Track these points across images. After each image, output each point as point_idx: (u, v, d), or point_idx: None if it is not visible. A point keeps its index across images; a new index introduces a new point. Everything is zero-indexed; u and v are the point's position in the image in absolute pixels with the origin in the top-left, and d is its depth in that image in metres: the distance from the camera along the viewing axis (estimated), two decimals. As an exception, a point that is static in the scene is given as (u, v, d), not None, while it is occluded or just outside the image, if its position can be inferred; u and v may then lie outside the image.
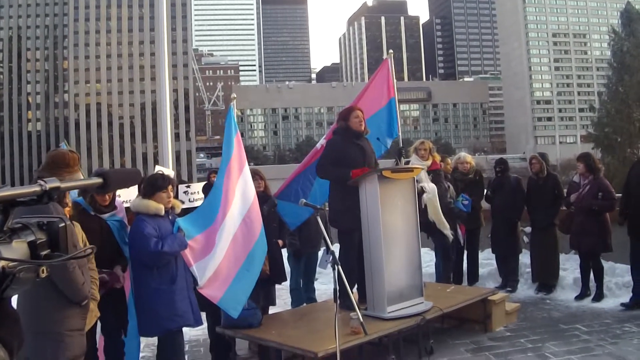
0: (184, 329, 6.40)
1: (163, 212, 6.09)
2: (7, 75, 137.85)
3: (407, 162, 8.82)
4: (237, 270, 6.32)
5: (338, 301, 5.66)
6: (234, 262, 6.32)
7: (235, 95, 8.20)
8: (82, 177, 5.30)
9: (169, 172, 9.76)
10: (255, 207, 6.76)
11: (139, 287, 6.03)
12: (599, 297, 9.71)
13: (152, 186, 6.16)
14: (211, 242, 6.24)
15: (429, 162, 9.73)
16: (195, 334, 8.51)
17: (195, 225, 6.24)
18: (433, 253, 10.82)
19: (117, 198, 6.21)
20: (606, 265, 10.17)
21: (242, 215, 6.52)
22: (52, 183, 1.87)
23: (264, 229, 6.79)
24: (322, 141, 8.92)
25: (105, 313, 5.54)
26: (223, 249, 6.28)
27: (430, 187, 9.27)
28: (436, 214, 9.45)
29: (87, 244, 4.79)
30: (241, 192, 6.62)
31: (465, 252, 11.29)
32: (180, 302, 5.97)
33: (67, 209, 4.98)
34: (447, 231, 9.65)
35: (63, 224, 1.87)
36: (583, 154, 10.35)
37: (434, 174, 9.63)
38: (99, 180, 2.10)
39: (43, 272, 1.78)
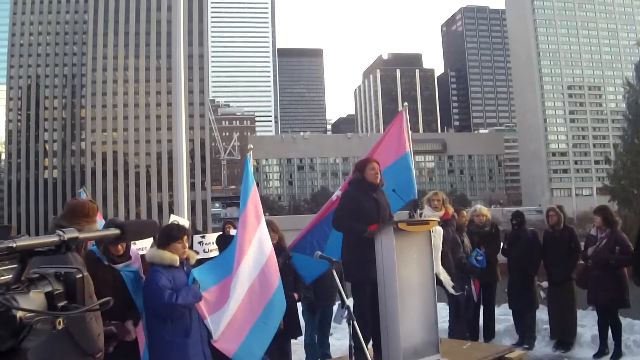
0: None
1: (178, 263, 6.00)
2: (25, 123, 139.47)
3: (420, 214, 8.76)
4: (254, 322, 6.24)
5: (353, 357, 5.56)
6: (250, 314, 6.25)
7: (252, 146, 8.21)
8: (98, 227, 5.29)
9: (184, 221, 9.74)
10: (273, 259, 6.70)
11: (153, 339, 5.96)
12: (617, 355, 9.53)
13: (167, 236, 6.07)
14: (226, 294, 6.20)
15: (442, 213, 9.67)
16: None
17: (210, 277, 6.21)
18: (448, 308, 10.70)
19: (132, 246, 6.16)
20: (624, 321, 10.03)
21: (259, 265, 6.47)
22: (70, 233, 1.87)
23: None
24: (337, 192, 8.92)
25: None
26: (238, 300, 6.22)
27: (436, 228, 9.13)
28: (436, 259, 9.27)
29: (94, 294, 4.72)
30: (258, 242, 6.58)
31: (482, 307, 11.13)
32: (193, 356, 5.88)
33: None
34: (447, 284, 9.46)
35: (80, 275, 1.88)
36: (600, 207, 10.25)
37: (445, 223, 9.53)
38: (116, 231, 2.11)
39: (60, 324, 1.79)
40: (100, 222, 10.13)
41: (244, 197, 6.83)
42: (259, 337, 6.27)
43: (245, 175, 7.03)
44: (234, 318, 6.16)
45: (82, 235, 1.93)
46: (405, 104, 9.77)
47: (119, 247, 5.75)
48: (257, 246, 6.57)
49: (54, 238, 1.84)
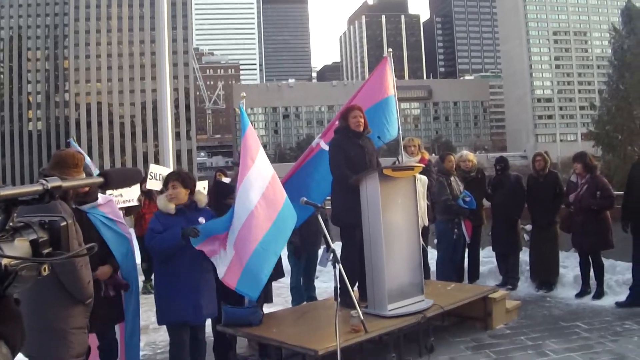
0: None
1: (172, 211, 6.15)
2: (8, 75, 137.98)
3: (397, 161, 8.88)
4: (252, 251, 6.28)
5: (339, 299, 5.67)
6: (250, 243, 6.28)
7: (245, 94, 8.22)
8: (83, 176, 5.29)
9: (164, 170, 9.77)
10: (273, 186, 6.69)
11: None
12: (599, 294, 9.71)
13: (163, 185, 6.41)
14: (221, 237, 6.28)
15: (418, 158, 9.78)
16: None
17: (217, 225, 6.26)
18: (434, 251, 10.85)
19: (106, 194, 6.13)
20: (607, 262, 10.18)
21: (257, 198, 6.48)
22: (53, 182, 1.88)
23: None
24: (317, 139, 8.93)
25: (97, 313, 5.48)
26: (234, 234, 6.28)
27: (421, 177, 9.19)
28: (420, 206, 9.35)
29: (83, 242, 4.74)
30: (254, 176, 6.59)
31: (467, 250, 11.28)
32: (179, 299, 6.02)
33: None
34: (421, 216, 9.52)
35: (64, 223, 1.89)
36: (579, 154, 10.31)
37: (423, 170, 9.59)
38: (100, 179, 2.14)
39: (45, 270, 1.80)
40: (95, 170, 10.15)
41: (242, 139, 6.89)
42: (261, 262, 6.30)
43: (241, 122, 7.05)
44: (235, 253, 6.23)
45: (65, 184, 1.94)
46: (390, 49, 9.75)
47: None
48: (255, 179, 6.59)
49: (37, 187, 1.85)
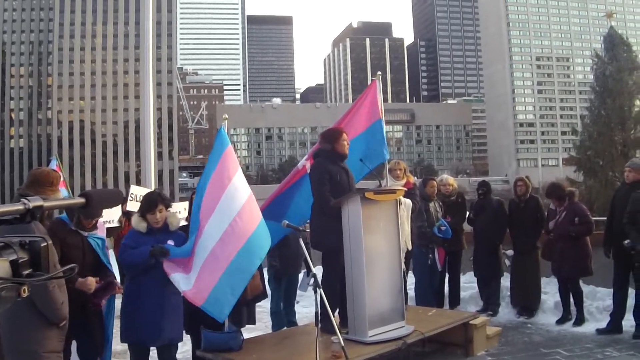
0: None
1: (143, 230, 6.27)
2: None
3: (380, 184, 8.82)
4: (222, 272, 6.23)
5: (319, 325, 5.62)
6: (218, 264, 6.24)
7: (227, 116, 8.19)
8: (61, 196, 5.33)
9: (145, 192, 9.72)
10: (249, 207, 6.66)
11: None
12: (579, 321, 9.72)
13: (142, 207, 6.54)
14: (191, 254, 6.24)
15: (403, 182, 9.71)
16: (178, 357, 8.43)
17: (184, 250, 6.24)
18: (414, 276, 10.81)
19: (99, 220, 6.24)
20: (587, 289, 10.21)
21: (231, 216, 6.45)
22: (35, 202, 1.88)
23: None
24: (303, 161, 8.89)
25: (82, 335, 5.52)
26: (205, 253, 6.24)
27: (405, 201, 9.14)
28: (403, 230, 9.29)
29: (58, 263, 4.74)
30: (231, 195, 6.56)
31: (447, 275, 11.25)
32: (140, 319, 6.09)
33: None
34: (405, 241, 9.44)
35: (45, 244, 1.88)
36: (550, 189, 10.36)
37: (408, 193, 9.55)
38: (81, 200, 2.12)
39: (24, 291, 1.78)
40: (62, 189, 10.09)
41: (211, 162, 6.83)
42: (231, 284, 6.26)
43: (217, 143, 7.01)
44: (203, 270, 6.19)
45: (47, 204, 1.93)
46: (379, 73, 9.73)
47: (88, 222, 5.83)
48: (230, 199, 6.55)
49: (19, 206, 1.85)
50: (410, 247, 9.17)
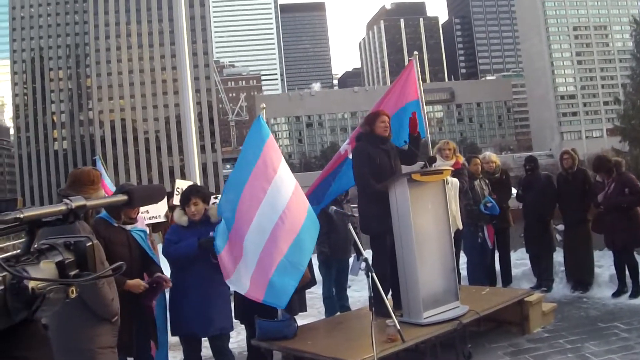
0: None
1: (185, 223, 6.43)
2: (32, 96, 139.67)
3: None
4: (279, 261, 6.24)
5: (373, 309, 5.59)
6: (276, 255, 6.25)
7: (265, 105, 8.18)
8: (103, 194, 5.36)
9: (188, 183, 9.80)
10: (296, 198, 6.65)
11: None
12: (636, 293, 9.54)
13: (181, 200, 6.68)
14: (237, 248, 6.23)
15: (453, 162, 9.62)
16: (231, 347, 8.48)
17: (222, 236, 6.24)
18: (464, 256, 10.72)
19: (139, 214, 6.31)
20: (641, 259, 10.04)
21: (280, 209, 6.45)
22: (78, 201, 1.86)
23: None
24: (344, 146, 8.90)
25: (132, 330, 5.57)
26: (259, 247, 6.25)
27: (452, 180, 9.04)
28: (454, 208, 9.21)
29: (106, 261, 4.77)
30: (277, 187, 6.55)
31: (497, 253, 11.15)
32: (188, 311, 6.21)
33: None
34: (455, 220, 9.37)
35: (90, 243, 1.86)
36: (596, 163, 10.22)
37: (456, 172, 9.47)
38: (124, 197, 2.10)
39: (73, 292, 1.77)
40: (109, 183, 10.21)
41: (253, 151, 6.80)
42: (287, 275, 6.29)
43: (255, 132, 6.98)
44: (257, 267, 6.20)
45: (89, 203, 1.91)
46: (416, 53, 9.71)
47: (134, 210, 5.88)
48: (276, 191, 6.54)
49: (61, 207, 1.83)
50: (460, 226, 9.08)
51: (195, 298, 6.16)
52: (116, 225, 5.78)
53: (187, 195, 6.51)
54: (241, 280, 6.17)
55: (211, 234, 6.26)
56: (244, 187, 6.53)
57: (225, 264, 6.13)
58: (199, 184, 11.67)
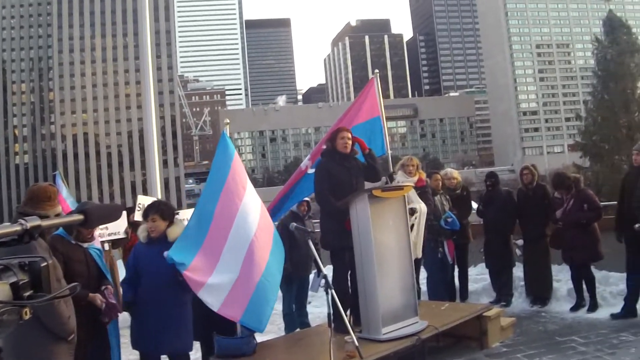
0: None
1: (143, 240, 6.40)
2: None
3: (393, 181, 8.81)
4: (256, 283, 6.25)
5: (332, 325, 5.59)
6: (251, 277, 6.26)
7: (228, 120, 8.18)
8: (60, 210, 5.33)
9: (150, 200, 9.73)
10: (263, 219, 6.70)
11: None
12: (593, 307, 9.68)
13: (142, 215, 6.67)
14: (210, 261, 6.19)
15: (416, 179, 9.66)
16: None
17: (186, 252, 6.17)
18: (425, 271, 10.77)
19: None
20: (600, 274, 10.19)
21: (252, 230, 6.47)
22: (33, 222, 1.85)
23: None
24: (305, 161, 8.94)
25: (87, 350, 5.55)
26: (237, 266, 6.24)
27: (421, 207, 9.08)
28: (417, 235, 9.24)
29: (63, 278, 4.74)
30: (248, 206, 6.58)
31: (456, 269, 11.22)
32: (142, 330, 6.21)
33: None
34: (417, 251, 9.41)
35: (45, 263, 1.85)
36: (555, 180, 10.33)
37: (421, 191, 9.52)
38: (80, 217, 2.11)
39: (26, 313, 1.77)
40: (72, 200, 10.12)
41: (221, 168, 6.80)
42: (265, 295, 6.30)
43: (221, 148, 6.98)
44: (236, 284, 6.18)
45: (45, 223, 1.91)
46: (376, 71, 9.77)
47: (89, 231, 5.87)
48: (247, 212, 6.56)
49: (16, 227, 1.82)
50: (419, 255, 9.08)
51: (153, 317, 6.11)
52: (73, 242, 5.77)
53: (146, 211, 6.48)
54: (213, 295, 6.13)
55: (165, 254, 6.11)
56: (217, 203, 6.52)
57: (193, 279, 6.08)
58: (160, 198, 11.59)
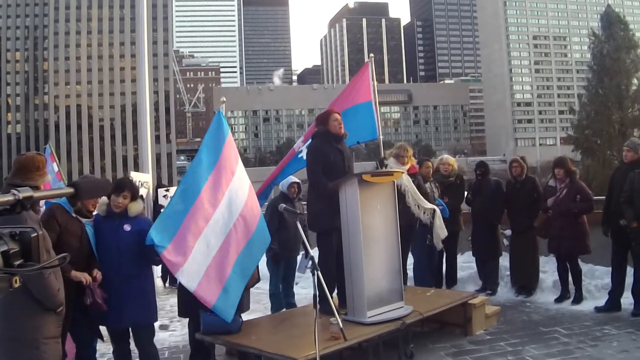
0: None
1: (103, 213, 6.31)
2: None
3: (385, 166, 8.85)
4: (229, 273, 6.30)
5: (318, 307, 5.63)
6: (225, 265, 6.31)
7: (225, 99, 8.16)
8: (49, 179, 5.36)
9: (145, 177, 9.72)
10: (251, 203, 6.74)
11: None
12: (578, 299, 9.76)
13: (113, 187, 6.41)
14: (186, 243, 6.21)
15: (408, 166, 9.71)
16: (175, 340, 8.48)
17: (165, 233, 6.18)
18: (412, 257, 10.82)
19: None
20: (586, 267, 10.24)
21: (235, 214, 6.50)
22: (25, 192, 1.89)
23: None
24: (298, 143, 8.97)
25: (76, 320, 5.58)
26: (212, 251, 6.27)
27: (402, 180, 9.07)
28: (414, 193, 9.29)
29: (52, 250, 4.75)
30: (235, 191, 6.60)
31: (445, 255, 11.28)
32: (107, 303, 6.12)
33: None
34: (426, 213, 9.48)
35: (35, 234, 1.88)
36: (560, 160, 10.35)
37: (412, 178, 9.56)
38: (70, 190, 2.12)
39: (16, 282, 1.79)
40: (60, 183, 10.12)
41: (214, 148, 6.79)
42: (235, 286, 6.35)
43: (215, 126, 6.97)
44: (210, 269, 6.22)
45: (36, 194, 1.94)
46: (372, 55, 9.78)
47: (92, 204, 6.01)
48: (233, 195, 6.58)
49: (9, 197, 1.85)
50: (423, 218, 9.20)
51: (113, 291, 6.10)
52: (74, 216, 5.83)
53: (121, 185, 6.41)
54: (190, 276, 6.17)
55: (126, 226, 6.21)
56: (204, 184, 6.52)
57: (171, 260, 6.10)
58: (151, 174, 11.60)
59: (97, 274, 5.91)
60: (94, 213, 6.27)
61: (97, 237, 6.16)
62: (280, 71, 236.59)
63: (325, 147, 7.72)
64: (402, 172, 8.32)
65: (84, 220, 5.95)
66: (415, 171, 9.85)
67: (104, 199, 6.29)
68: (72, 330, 5.81)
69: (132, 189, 6.41)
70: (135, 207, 6.38)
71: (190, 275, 6.16)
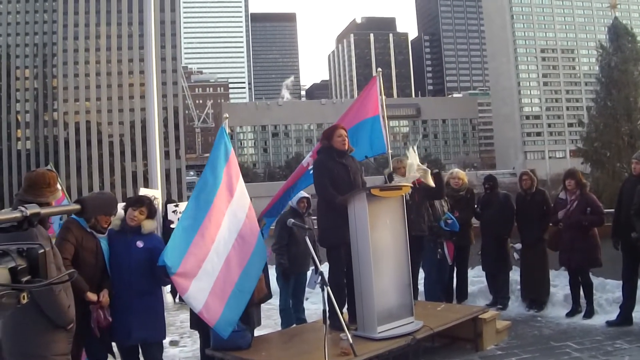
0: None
1: (116, 228, 6.35)
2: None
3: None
4: (231, 291, 6.31)
5: (327, 322, 5.62)
6: (228, 283, 6.32)
7: (228, 115, 8.20)
8: (60, 195, 5.38)
9: (154, 192, 9.74)
10: (249, 224, 6.74)
11: None
12: (589, 313, 9.68)
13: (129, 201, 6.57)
14: (194, 265, 6.21)
15: (417, 176, 9.67)
16: (185, 356, 8.46)
17: (176, 254, 6.19)
18: (423, 271, 10.78)
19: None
20: (597, 281, 10.16)
21: (234, 234, 6.51)
22: (32, 209, 1.89)
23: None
24: (307, 158, 8.97)
25: (89, 335, 5.60)
26: (216, 270, 6.28)
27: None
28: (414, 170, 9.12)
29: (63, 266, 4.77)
30: (233, 211, 6.62)
31: (455, 270, 11.23)
32: (114, 319, 6.15)
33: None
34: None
35: (42, 250, 1.87)
36: (571, 171, 10.32)
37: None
38: (77, 206, 2.12)
39: (24, 298, 1.79)
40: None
41: (216, 166, 6.81)
42: (235, 304, 6.35)
43: (218, 144, 6.98)
44: (214, 288, 6.23)
45: (44, 211, 1.94)
46: (379, 69, 9.78)
47: (106, 220, 6.03)
48: (232, 215, 6.61)
49: (16, 214, 1.85)
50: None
51: (118, 308, 6.16)
52: (88, 230, 5.88)
53: (140, 200, 6.51)
54: (197, 297, 6.17)
55: (139, 243, 6.27)
56: (210, 205, 6.54)
57: (181, 283, 6.12)
58: (160, 189, 11.64)
59: (104, 297, 5.94)
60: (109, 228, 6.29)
61: (110, 251, 6.19)
62: (289, 80, 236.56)
63: (329, 162, 7.73)
64: (410, 186, 8.29)
65: (99, 236, 6.00)
66: (420, 182, 9.81)
67: (120, 213, 6.34)
68: (86, 346, 5.85)
69: (150, 207, 6.48)
70: (149, 225, 6.43)
71: (197, 297, 6.17)
